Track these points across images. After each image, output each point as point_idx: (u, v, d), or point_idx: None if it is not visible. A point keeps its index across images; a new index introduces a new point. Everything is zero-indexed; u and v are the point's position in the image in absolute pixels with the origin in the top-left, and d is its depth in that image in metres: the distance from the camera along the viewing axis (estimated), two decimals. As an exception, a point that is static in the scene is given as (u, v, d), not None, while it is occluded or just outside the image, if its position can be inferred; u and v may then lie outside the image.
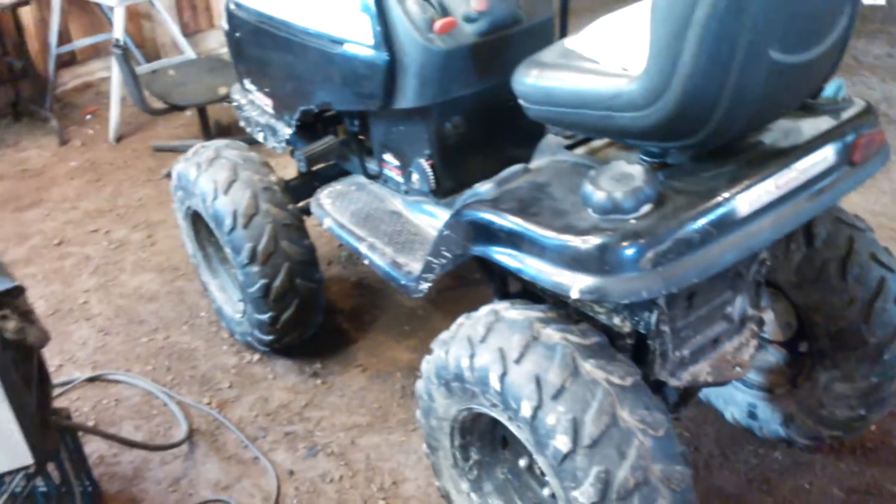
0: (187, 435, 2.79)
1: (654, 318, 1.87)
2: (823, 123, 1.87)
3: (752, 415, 2.49)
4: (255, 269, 2.71)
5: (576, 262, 1.63)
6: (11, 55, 5.03)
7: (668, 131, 1.64)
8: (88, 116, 5.19)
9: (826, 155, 1.82)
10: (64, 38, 5.30)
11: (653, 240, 1.59)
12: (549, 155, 1.97)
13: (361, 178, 2.71)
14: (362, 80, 2.28)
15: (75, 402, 2.98)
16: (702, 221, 1.62)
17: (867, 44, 5.44)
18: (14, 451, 2.03)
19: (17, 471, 2.09)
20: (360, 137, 2.68)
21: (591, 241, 1.60)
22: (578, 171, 1.83)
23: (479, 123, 2.37)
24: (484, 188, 1.87)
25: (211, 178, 2.76)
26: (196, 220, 3.02)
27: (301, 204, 2.88)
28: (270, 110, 2.82)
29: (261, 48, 2.70)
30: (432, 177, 2.38)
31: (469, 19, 2.16)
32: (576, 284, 1.62)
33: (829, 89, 1.93)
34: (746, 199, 1.67)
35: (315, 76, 2.47)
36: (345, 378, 2.97)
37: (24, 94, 5.17)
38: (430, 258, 2.04)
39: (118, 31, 4.58)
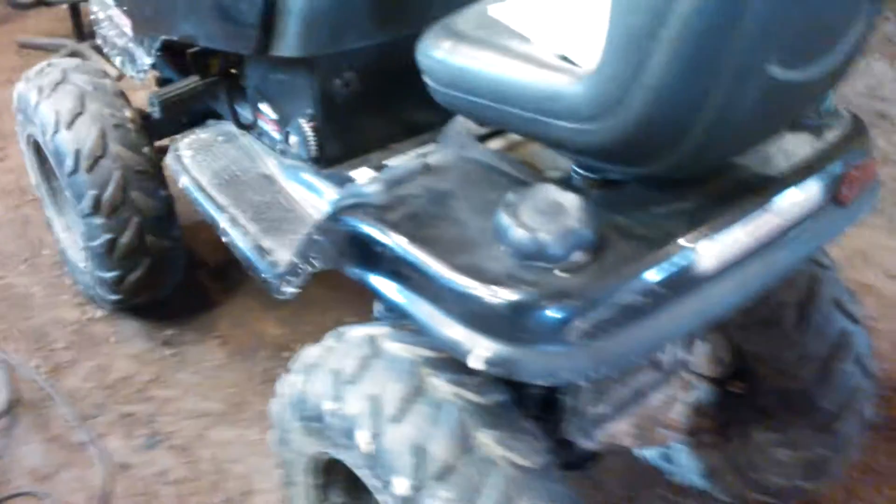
0: (6, 407, 2.24)
1: None
2: (805, 146, 1.40)
3: (667, 457, 2.04)
4: (97, 220, 2.15)
5: (479, 319, 1.15)
6: None
7: (619, 154, 1.16)
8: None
9: (810, 191, 1.35)
10: None
11: (586, 303, 1.11)
12: (457, 147, 1.46)
13: (232, 127, 2.14)
14: (234, 16, 1.72)
15: None
16: (653, 279, 1.15)
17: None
18: None
19: None
20: (233, 77, 2.10)
21: (502, 296, 1.12)
22: (493, 182, 1.34)
23: (376, 82, 1.83)
24: (370, 188, 1.35)
25: (53, 106, 2.17)
26: (40, 148, 2.40)
27: (161, 142, 2.30)
28: (129, 32, 2.21)
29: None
30: (314, 142, 1.84)
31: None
32: (477, 350, 1.15)
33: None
34: (713, 250, 1.21)
35: (180, 2, 1.88)
36: (200, 350, 2.45)
37: None
38: (295, 260, 1.53)
39: None
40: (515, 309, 1.11)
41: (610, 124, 1.09)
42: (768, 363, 1.73)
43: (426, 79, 1.36)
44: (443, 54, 1.31)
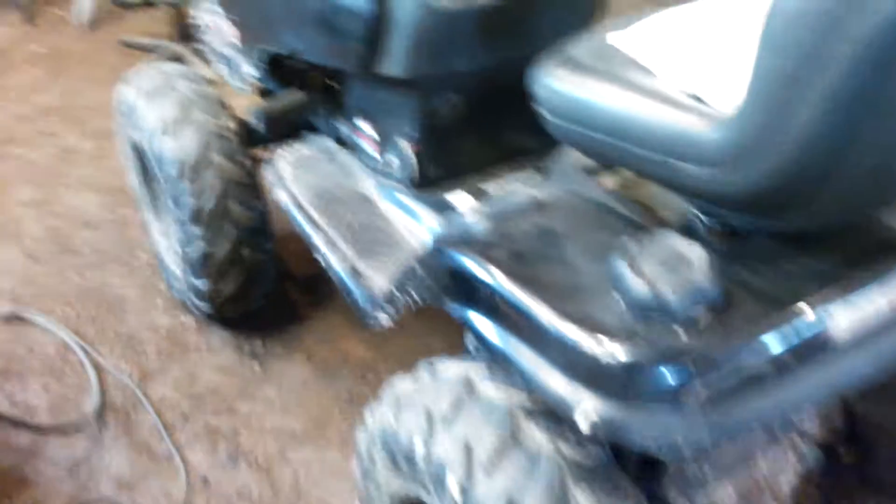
0: (96, 411, 2.28)
1: None
2: None
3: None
4: (196, 230, 2.16)
5: (588, 373, 1.08)
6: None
7: (752, 204, 1.07)
8: (63, -5, 4.50)
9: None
10: None
11: (707, 365, 1.03)
12: (567, 180, 1.39)
13: (331, 144, 2.11)
14: (341, 32, 1.69)
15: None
16: (781, 344, 1.06)
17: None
18: None
19: None
20: (336, 92, 2.08)
21: (615, 351, 1.05)
22: (608, 224, 1.27)
23: (480, 106, 1.78)
24: (476, 222, 1.29)
25: (156, 112, 2.18)
26: (140, 151, 2.43)
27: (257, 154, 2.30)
28: (236, 42, 2.20)
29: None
30: (415, 164, 1.80)
31: (485, -26, 1.56)
32: (584, 407, 1.08)
33: None
34: (847, 316, 1.11)
35: (290, 15, 1.87)
36: (286, 365, 2.44)
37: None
38: (393, 289, 1.48)
39: None
40: (629, 366, 1.04)
41: (746, 173, 1.00)
42: (887, 432, 1.60)
43: (540, 108, 1.30)
44: (559, 84, 1.25)
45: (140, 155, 2.43)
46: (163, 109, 2.16)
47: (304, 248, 2.77)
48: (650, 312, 1.06)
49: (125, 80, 2.35)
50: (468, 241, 1.27)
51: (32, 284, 2.70)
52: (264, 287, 2.39)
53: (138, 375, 2.40)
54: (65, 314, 2.59)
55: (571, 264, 1.19)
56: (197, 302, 2.37)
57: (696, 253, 1.07)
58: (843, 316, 1.11)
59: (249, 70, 2.12)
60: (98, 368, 2.40)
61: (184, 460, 2.16)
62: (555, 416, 1.27)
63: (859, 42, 0.85)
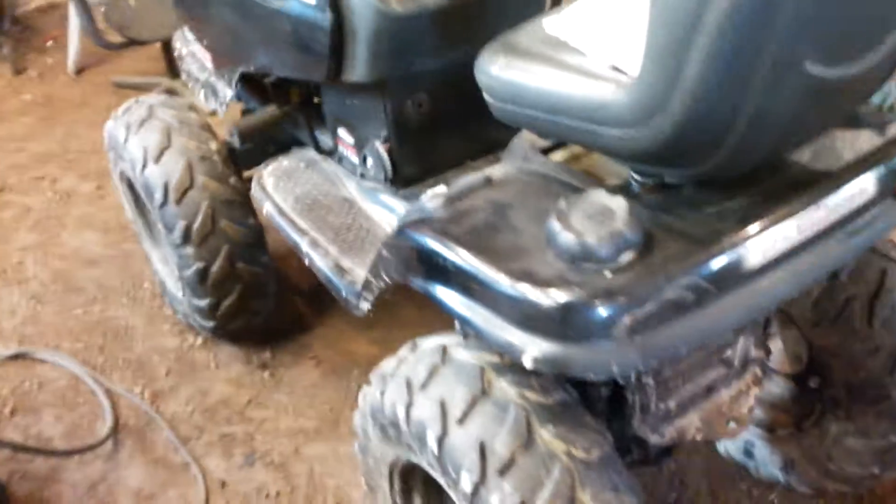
0: (110, 432, 2.50)
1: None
2: (863, 142, 1.48)
3: (748, 453, 2.16)
4: (189, 250, 2.38)
5: (532, 320, 1.28)
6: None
7: (664, 157, 1.28)
8: (50, 43, 4.79)
9: (864, 186, 1.44)
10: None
11: (632, 301, 1.24)
12: (520, 159, 1.61)
13: (313, 154, 2.34)
14: (306, 45, 1.91)
15: (-3, 383, 2.70)
16: (699, 276, 1.27)
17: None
18: None
19: None
20: (313, 105, 2.31)
21: (552, 298, 1.25)
22: (550, 191, 1.47)
23: (448, 103, 1.99)
24: (432, 203, 1.51)
25: (141, 142, 2.41)
26: (132, 184, 2.67)
27: (249, 174, 2.52)
28: (210, 66, 2.45)
29: (200, -6, 2.32)
30: (389, 163, 2.02)
31: (434, -24, 1.78)
32: (530, 349, 1.29)
33: (877, 96, 1.56)
34: (759, 247, 1.32)
35: (255, 35, 2.09)
36: (295, 372, 2.66)
37: (-21, 16, 4.78)
38: (369, 275, 1.70)
39: (73, -48, 4.16)
40: (565, 309, 1.24)
41: (652, 129, 1.21)
42: (840, 356, 1.82)
43: (485, 95, 1.52)
44: (498, 70, 1.46)
45: (132, 187, 2.67)
46: (146, 138, 2.39)
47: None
48: (580, 261, 1.27)
49: (113, 116, 2.59)
50: (426, 221, 1.48)
51: (38, 324, 2.92)
52: (265, 300, 2.60)
53: (150, 396, 2.62)
54: (72, 348, 2.81)
55: (516, 229, 1.40)
56: (201, 321, 2.59)
57: (618, 204, 1.28)
58: (756, 246, 1.31)
59: (225, 92, 2.36)
60: (109, 393, 2.62)
61: (201, 468, 2.37)
62: (521, 370, 1.48)
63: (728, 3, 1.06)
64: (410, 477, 1.80)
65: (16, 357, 2.79)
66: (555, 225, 1.28)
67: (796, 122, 1.26)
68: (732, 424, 1.74)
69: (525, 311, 1.28)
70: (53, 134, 4.02)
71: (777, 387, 2.13)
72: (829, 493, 2.12)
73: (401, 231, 1.51)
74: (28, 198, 3.60)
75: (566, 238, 1.26)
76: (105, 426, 2.51)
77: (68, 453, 2.43)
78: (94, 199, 3.55)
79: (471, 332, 1.48)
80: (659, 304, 1.24)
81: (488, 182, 1.53)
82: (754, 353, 1.76)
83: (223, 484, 2.34)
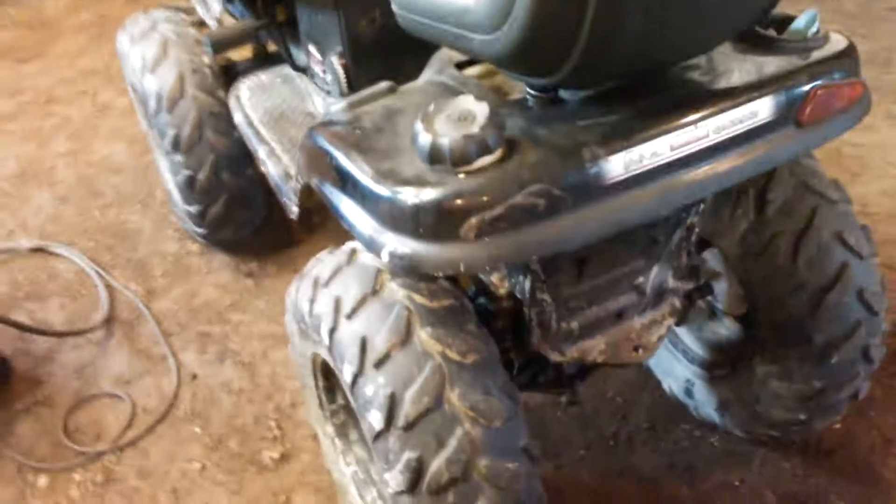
0: (103, 322, 2.61)
1: (527, 283, 1.54)
2: (772, 66, 1.43)
3: (688, 392, 2.12)
4: (178, 157, 2.45)
5: (390, 218, 1.29)
6: None
7: (521, 62, 1.26)
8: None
9: (758, 108, 1.38)
10: None
11: (478, 203, 1.23)
12: (434, 72, 1.60)
13: (289, 70, 2.37)
14: None
15: (13, 272, 2.84)
16: (551, 184, 1.25)
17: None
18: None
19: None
20: (291, 22, 2.33)
21: (405, 196, 1.26)
22: (447, 100, 1.47)
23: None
24: (338, 107, 1.52)
25: (140, 52, 2.48)
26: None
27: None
28: (205, -20, 2.49)
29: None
30: (343, 77, 2.03)
31: None
32: (387, 245, 1.29)
33: (801, 20, 1.49)
34: (620, 161, 1.29)
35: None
36: (278, 282, 2.73)
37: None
38: (294, 177, 1.72)
39: None
40: (415, 208, 1.24)
41: (505, 34, 1.18)
42: (763, 293, 1.75)
43: (393, 6, 1.51)
44: None
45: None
46: (145, 49, 2.46)
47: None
48: (436, 162, 1.26)
49: (122, 27, 2.65)
50: (328, 123, 1.49)
51: (59, 222, 3.06)
52: (251, 213, 2.66)
53: (144, 293, 2.72)
54: (85, 246, 2.93)
55: (398, 134, 1.39)
56: (193, 227, 2.67)
57: (480, 110, 1.27)
58: (618, 161, 1.28)
59: (215, 4, 2.39)
60: (109, 288, 2.73)
61: (177, 361, 2.47)
62: (415, 275, 1.50)
63: None
64: (332, 374, 1.83)
65: (35, 250, 2.92)
66: (418, 126, 1.27)
67: (657, 29, 1.20)
68: (640, 351, 1.73)
69: (384, 210, 1.29)
70: (101, 51, 4.13)
71: (724, 328, 2.08)
72: (762, 437, 2.05)
73: (308, 133, 1.52)
74: (70, 109, 3.73)
75: (425, 139, 1.25)
76: (100, 316, 2.62)
77: (63, 334, 2.55)
78: (128, 112, 3.64)
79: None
80: (508, 209, 1.23)
81: (391, 90, 1.54)
82: (672, 283, 1.73)
83: (194, 376, 2.43)
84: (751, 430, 2.01)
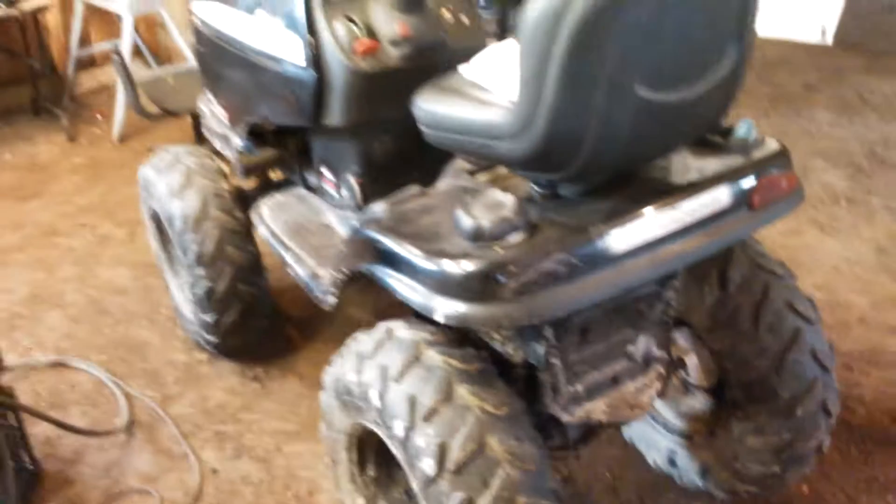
0: (126, 424, 2.71)
1: (541, 349, 1.76)
2: (725, 163, 1.75)
3: (671, 462, 2.32)
4: (200, 271, 2.64)
5: (442, 286, 1.53)
6: (34, 56, 5.03)
7: (539, 162, 1.55)
8: (98, 117, 5.16)
9: (720, 196, 1.69)
10: (85, 41, 5.31)
11: (516, 269, 1.48)
12: (452, 178, 1.88)
13: (303, 191, 2.62)
14: (295, 97, 2.20)
15: (34, 384, 2.93)
16: (568, 255, 1.51)
17: (879, 81, 5.23)
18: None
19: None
20: (302, 151, 2.60)
21: (455, 268, 1.50)
22: (465, 197, 1.73)
23: (406, 144, 2.25)
24: (378, 207, 1.77)
25: (167, 181, 2.70)
26: (158, 220, 2.95)
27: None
28: (226, 121, 2.75)
29: (219, 62, 2.63)
30: (359, 193, 2.29)
31: (394, 43, 2.07)
32: (441, 308, 1.52)
33: (741, 129, 1.81)
34: (621, 236, 1.56)
35: (259, 91, 2.39)
36: (282, 384, 2.88)
37: (44, 93, 5.16)
38: (333, 272, 1.95)
39: (125, 39, 4.55)
40: (466, 276, 1.49)
41: (526, 141, 1.49)
42: (734, 358, 2.02)
43: (419, 124, 1.79)
44: (426, 104, 1.75)
45: (157, 221, 2.95)
46: (171, 178, 2.69)
47: (298, 295, 3.26)
48: (477, 240, 1.52)
49: (146, 162, 2.88)
50: (372, 220, 1.75)
51: (73, 339, 3.18)
52: (261, 320, 2.84)
53: (160, 399, 2.84)
54: (99, 359, 3.05)
55: (436, 223, 1.66)
56: (206, 336, 2.83)
57: (508, 199, 1.55)
58: (619, 235, 1.56)
59: (237, 142, 2.64)
60: (127, 396, 2.85)
61: (197, 458, 2.58)
62: (447, 342, 1.72)
63: (571, 34, 1.33)
64: (365, 445, 2.00)
65: (53, 365, 3.02)
66: (460, 213, 1.53)
67: (641, 138, 1.53)
68: (635, 410, 1.94)
69: (436, 280, 1.53)
70: (96, 190, 4.33)
71: (696, 401, 2.30)
72: (742, 495, 2.22)
73: (355, 229, 1.76)
74: (72, 240, 3.88)
75: (467, 222, 1.51)
76: (122, 421, 2.72)
77: (91, 433, 2.64)
78: (126, 241, 3.83)
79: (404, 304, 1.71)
80: (538, 274, 1.49)
81: (422, 193, 1.81)
82: (656, 352, 1.97)
83: (215, 471, 2.54)
84: (732, 490, 2.20)
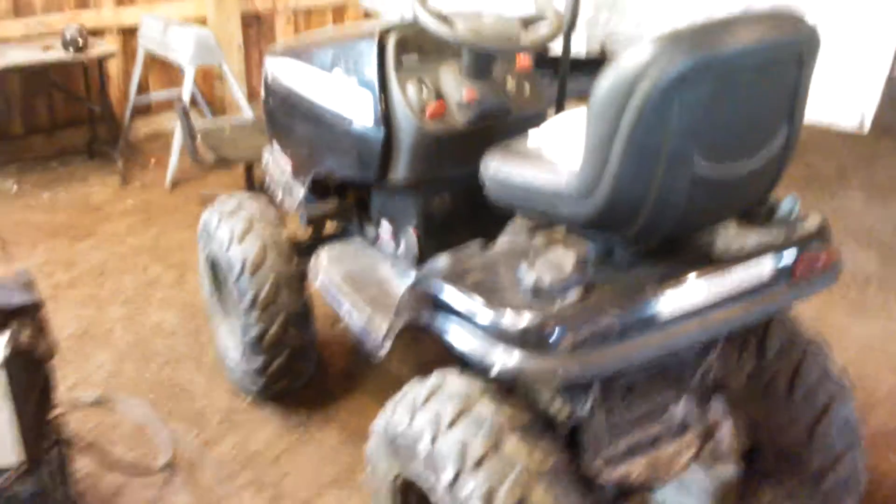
0: (168, 463, 2.82)
1: (588, 406, 1.86)
2: (770, 237, 1.85)
3: (703, 529, 2.39)
4: (254, 314, 2.76)
5: (501, 338, 1.64)
6: (94, 101, 5.29)
7: (599, 225, 1.66)
8: (153, 162, 5.38)
9: (765, 267, 1.80)
10: (143, 89, 5.57)
11: (573, 325, 1.59)
12: (512, 236, 2.01)
13: (360, 242, 2.76)
14: (363, 154, 2.35)
15: (80, 420, 3.04)
16: (623, 315, 1.62)
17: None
18: (7, 449, 2.08)
19: (6, 470, 2.13)
20: (362, 204, 2.75)
21: (516, 321, 1.61)
22: (526, 254, 1.86)
23: (464, 200, 2.41)
24: (441, 259, 1.90)
25: (229, 227, 2.85)
26: (214, 265, 3.10)
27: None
28: (290, 172, 2.92)
29: (287, 116, 2.80)
30: (416, 246, 2.42)
31: (461, 107, 2.23)
32: (498, 361, 1.64)
33: (786, 204, 1.93)
34: (672, 300, 1.67)
35: (326, 146, 2.55)
36: (324, 433, 2.97)
37: (101, 136, 5.41)
38: (390, 321, 2.07)
39: (185, 89, 4.80)
40: (526, 329, 1.60)
41: (589, 205, 1.61)
42: (767, 426, 2.09)
43: (486, 183, 1.93)
44: (494, 169, 1.89)
45: (213, 266, 3.10)
46: (234, 224, 2.84)
47: (341, 347, 3.39)
48: (538, 295, 1.64)
49: (209, 208, 3.05)
50: (435, 273, 1.87)
51: (120, 377, 3.29)
52: (307, 366, 2.95)
53: (202, 440, 2.94)
54: (144, 398, 3.17)
55: (498, 277, 1.77)
56: (251, 382, 2.95)
57: (569, 258, 1.66)
58: (669, 300, 1.67)
59: (299, 192, 2.81)
60: (171, 435, 2.96)
61: (238, 500, 2.67)
62: (500, 394, 1.83)
63: (638, 108, 1.47)
64: (410, 494, 2.08)
65: (99, 402, 3.15)
66: (523, 269, 1.65)
67: (696, 207, 1.64)
68: (670, 474, 2.02)
69: (495, 332, 1.64)
70: (148, 232, 4.51)
71: (727, 468, 2.37)
72: None
73: (417, 281, 1.89)
74: (123, 280, 4.04)
75: (530, 278, 1.63)
76: (163, 460, 2.83)
77: (134, 469, 2.75)
78: (176, 284, 3.98)
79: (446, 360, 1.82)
80: (593, 331, 1.59)
81: (483, 248, 1.93)
82: (695, 416, 2.05)
83: (254, 514, 2.63)
84: None
